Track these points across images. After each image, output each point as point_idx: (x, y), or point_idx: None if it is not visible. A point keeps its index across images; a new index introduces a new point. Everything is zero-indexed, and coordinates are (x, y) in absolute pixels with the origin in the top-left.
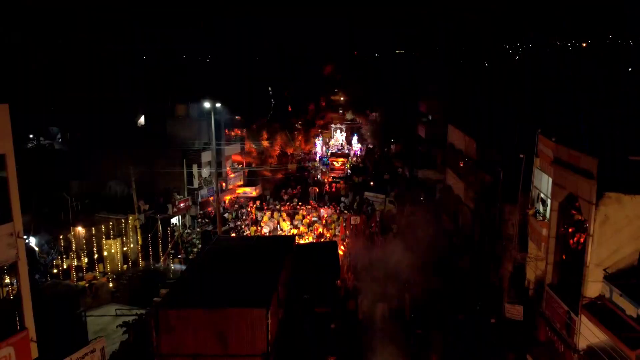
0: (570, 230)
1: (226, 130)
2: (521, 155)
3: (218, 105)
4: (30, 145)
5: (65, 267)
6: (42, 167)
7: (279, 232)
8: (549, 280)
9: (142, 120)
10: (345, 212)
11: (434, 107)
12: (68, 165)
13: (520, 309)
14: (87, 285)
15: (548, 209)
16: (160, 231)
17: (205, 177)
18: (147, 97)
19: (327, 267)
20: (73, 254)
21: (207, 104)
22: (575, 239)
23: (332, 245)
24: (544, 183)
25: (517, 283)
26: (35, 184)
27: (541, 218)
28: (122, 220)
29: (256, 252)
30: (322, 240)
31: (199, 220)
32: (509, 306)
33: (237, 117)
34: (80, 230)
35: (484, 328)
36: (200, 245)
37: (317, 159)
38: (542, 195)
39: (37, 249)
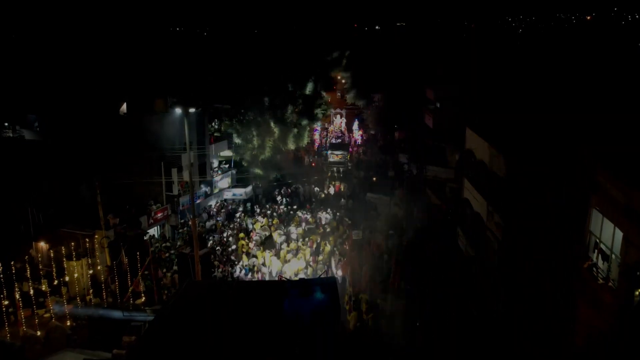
0: None
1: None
2: None
3: (192, 110)
4: (4, 135)
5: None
6: (7, 164)
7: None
8: None
9: (124, 107)
10: (347, 219)
11: (442, 93)
12: (39, 161)
13: None
14: (38, 322)
15: (612, 266)
16: (126, 262)
17: (187, 183)
18: (129, 84)
19: (323, 311)
20: (28, 281)
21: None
22: None
23: (330, 282)
24: (605, 231)
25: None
26: None
27: (601, 278)
28: (87, 238)
29: (234, 310)
30: (319, 253)
31: (180, 230)
32: None
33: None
34: (42, 246)
35: None
36: (177, 267)
37: (316, 149)
38: (602, 246)
39: None
